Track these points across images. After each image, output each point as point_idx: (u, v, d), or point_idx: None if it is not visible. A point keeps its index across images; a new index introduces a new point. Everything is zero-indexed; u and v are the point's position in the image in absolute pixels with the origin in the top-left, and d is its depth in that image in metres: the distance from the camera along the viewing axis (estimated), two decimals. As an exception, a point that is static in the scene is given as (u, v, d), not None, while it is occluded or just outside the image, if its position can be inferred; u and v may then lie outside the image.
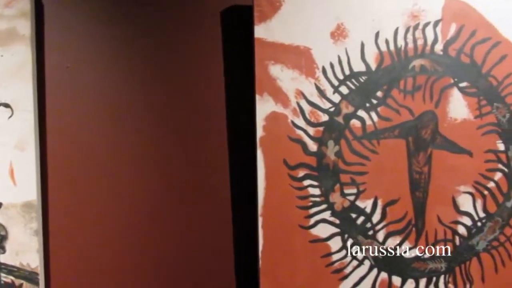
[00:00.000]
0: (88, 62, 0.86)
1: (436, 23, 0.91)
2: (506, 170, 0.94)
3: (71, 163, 0.86)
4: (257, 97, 0.86)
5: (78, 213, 0.86)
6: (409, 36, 0.90)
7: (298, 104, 0.87)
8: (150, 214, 0.87)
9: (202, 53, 0.89)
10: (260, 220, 0.86)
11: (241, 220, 0.90)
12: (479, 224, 0.94)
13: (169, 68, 0.88)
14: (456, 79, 0.92)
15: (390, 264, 0.91)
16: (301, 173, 0.88)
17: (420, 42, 0.90)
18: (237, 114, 0.89)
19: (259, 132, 0.86)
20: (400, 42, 0.90)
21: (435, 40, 0.91)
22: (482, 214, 0.94)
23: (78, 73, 0.86)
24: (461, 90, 0.92)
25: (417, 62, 0.91)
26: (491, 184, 0.94)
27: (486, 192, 0.94)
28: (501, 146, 0.94)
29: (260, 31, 0.85)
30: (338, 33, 0.88)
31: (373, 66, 0.89)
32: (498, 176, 0.94)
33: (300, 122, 0.87)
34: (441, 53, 0.91)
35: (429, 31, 0.91)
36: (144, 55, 0.87)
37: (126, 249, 0.86)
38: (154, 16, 0.87)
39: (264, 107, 0.86)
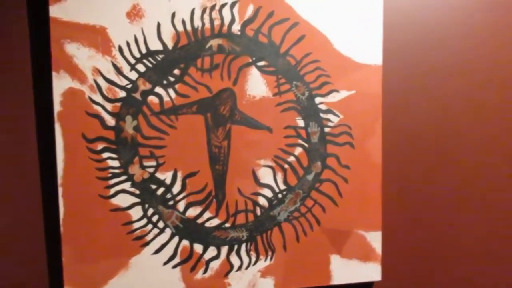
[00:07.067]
0: None
1: (233, 4, 0.95)
2: (306, 145, 1.00)
3: None
4: (54, 74, 0.90)
5: None
6: (206, 16, 0.94)
7: (95, 81, 0.92)
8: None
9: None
10: (60, 190, 0.92)
11: (47, 190, 0.95)
12: (279, 195, 1.00)
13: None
14: (254, 58, 0.97)
15: (191, 232, 0.98)
16: (99, 146, 0.93)
17: (217, 22, 0.95)
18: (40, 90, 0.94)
19: (57, 107, 0.91)
20: (197, 23, 0.94)
21: (232, 21, 0.95)
22: (282, 187, 1.00)
23: None
24: (259, 68, 0.97)
25: (214, 42, 0.95)
26: (291, 159, 1.00)
27: (286, 166, 1.00)
28: (300, 123, 0.99)
29: (55, 11, 0.90)
30: (134, 13, 0.92)
31: (170, 45, 0.94)
32: (298, 151, 1.00)
33: (98, 98, 0.92)
34: (238, 33, 0.96)
35: (226, 12, 0.95)
36: None
37: None
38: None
39: (60, 83, 0.91)
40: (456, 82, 1.08)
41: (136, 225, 0.95)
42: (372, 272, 1.05)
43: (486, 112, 1.10)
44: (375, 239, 1.04)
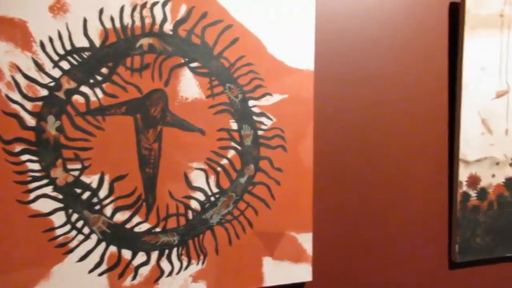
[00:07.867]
0: None
1: (165, 3, 0.93)
2: (239, 148, 0.99)
3: None
4: (-35, 68, 0.83)
5: None
6: (136, 14, 0.91)
7: (13, 78, 0.86)
8: None
9: None
10: (-29, 195, 0.85)
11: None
12: (212, 199, 0.99)
13: None
14: (187, 59, 0.95)
15: (119, 238, 0.94)
16: (18, 147, 0.87)
17: (148, 21, 0.92)
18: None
19: (-32, 105, 0.84)
20: (127, 20, 0.91)
21: (164, 20, 0.93)
22: (215, 190, 0.99)
23: None
24: (192, 70, 0.95)
25: (144, 41, 0.92)
26: (224, 161, 0.99)
27: (219, 169, 0.99)
28: (234, 125, 0.99)
29: (-33, 0, 0.82)
30: (58, 7, 0.87)
31: (97, 42, 0.89)
32: (231, 153, 0.99)
33: (16, 96, 0.86)
34: (170, 33, 0.93)
35: (158, 11, 0.92)
36: None
37: None
38: None
39: (-27, 79, 0.83)
40: (385, 89, 1.13)
41: (58, 231, 0.90)
42: (303, 273, 1.07)
43: (414, 118, 1.16)
44: (306, 240, 1.06)
